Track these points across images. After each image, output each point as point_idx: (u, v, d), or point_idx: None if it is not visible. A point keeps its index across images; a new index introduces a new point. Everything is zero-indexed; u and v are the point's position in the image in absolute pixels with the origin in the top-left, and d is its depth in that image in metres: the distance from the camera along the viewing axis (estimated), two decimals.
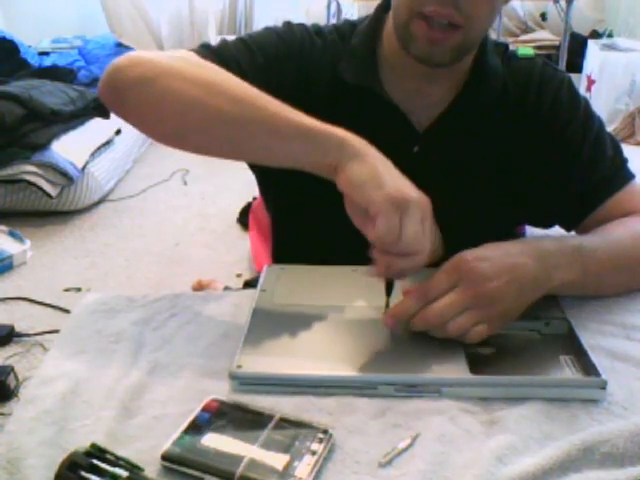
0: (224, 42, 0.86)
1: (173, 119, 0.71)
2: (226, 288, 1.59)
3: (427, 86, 0.85)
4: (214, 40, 3.79)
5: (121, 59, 0.74)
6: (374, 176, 0.64)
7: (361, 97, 0.84)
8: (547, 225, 0.95)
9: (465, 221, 0.85)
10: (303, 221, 0.92)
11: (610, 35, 4.20)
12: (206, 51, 0.82)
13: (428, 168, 0.82)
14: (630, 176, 0.88)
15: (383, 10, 0.86)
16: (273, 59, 0.84)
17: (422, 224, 0.64)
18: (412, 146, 0.86)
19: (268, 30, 0.88)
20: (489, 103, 0.86)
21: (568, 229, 0.91)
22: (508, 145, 0.87)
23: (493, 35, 3.90)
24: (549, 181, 0.88)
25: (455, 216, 0.82)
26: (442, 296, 0.65)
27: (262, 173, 0.95)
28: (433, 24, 0.74)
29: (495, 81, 0.86)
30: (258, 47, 0.84)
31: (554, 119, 0.86)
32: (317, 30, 0.89)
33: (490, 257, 0.68)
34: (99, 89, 0.75)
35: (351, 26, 0.90)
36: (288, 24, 0.89)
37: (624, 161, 0.89)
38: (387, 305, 0.71)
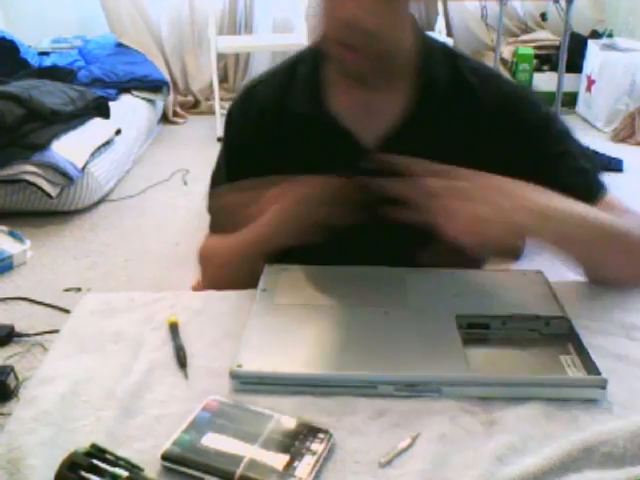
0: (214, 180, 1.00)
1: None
2: None
3: (372, 102, 0.84)
4: (214, 40, 3.75)
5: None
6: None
7: (308, 123, 0.85)
8: None
9: None
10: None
11: (610, 35, 4.20)
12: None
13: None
14: (604, 189, 0.86)
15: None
16: (236, 151, 0.94)
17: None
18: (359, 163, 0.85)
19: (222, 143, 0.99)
20: (437, 114, 0.84)
21: None
22: (464, 150, 0.84)
23: (494, 35, 3.90)
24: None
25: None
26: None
27: None
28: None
29: (439, 91, 0.84)
30: (227, 156, 0.97)
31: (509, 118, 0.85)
32: (254, 83, 0.94)
33: None
34: None
35: (302, 52, 0.91)
36: (228, 115, 0.96)
37: (598, 173, 0.87)
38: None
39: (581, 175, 0.86)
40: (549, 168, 0.84)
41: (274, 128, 0.88)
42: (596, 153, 2.98)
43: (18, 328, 1.91)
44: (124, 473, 0.52)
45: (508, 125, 0.85)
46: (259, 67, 4.25)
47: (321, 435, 0.56)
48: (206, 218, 0.99)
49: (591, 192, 0.84)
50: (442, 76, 0.84)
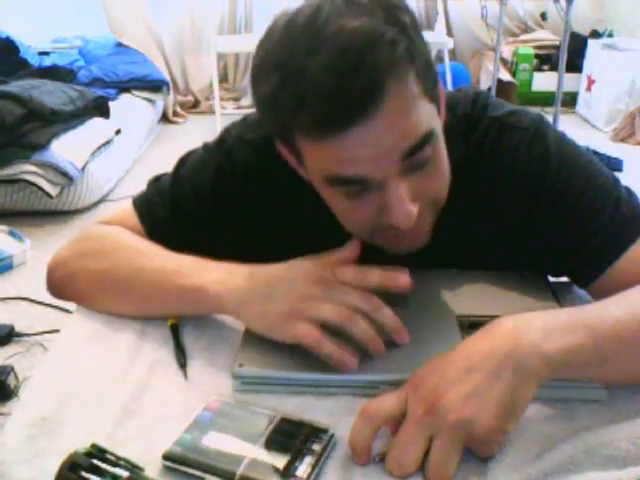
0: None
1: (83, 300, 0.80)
2: None
3: None
4: (214, 41, 3.74)
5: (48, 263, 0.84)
6: (261, 316, 0.65)
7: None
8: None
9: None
10: None
11: (610, 35, 4.20)
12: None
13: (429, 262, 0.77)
14: (624, 243, 0.73)
15: None
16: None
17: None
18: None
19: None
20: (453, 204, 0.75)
21: (580, 286, 0.80)
22: (497, 223, 0.79)
23: (494, 35, 3.90)
24: (543, 247, 0.78)
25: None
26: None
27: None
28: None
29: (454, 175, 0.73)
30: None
31: (522, 179, 0.75)
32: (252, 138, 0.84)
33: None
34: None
35: None
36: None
37: (633, 213, 0.74)
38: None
39: (599, 221, 0.73)
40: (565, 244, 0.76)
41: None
42: (596, 153, 2.98)
43: (18, 328, 1.91)
44: (125, 473, 0.51)
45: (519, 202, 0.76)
46: None
47: (322, 435, 0.55)
48: None
49: (616, 241, 0.73)
50: (456, 157, 0.73)
